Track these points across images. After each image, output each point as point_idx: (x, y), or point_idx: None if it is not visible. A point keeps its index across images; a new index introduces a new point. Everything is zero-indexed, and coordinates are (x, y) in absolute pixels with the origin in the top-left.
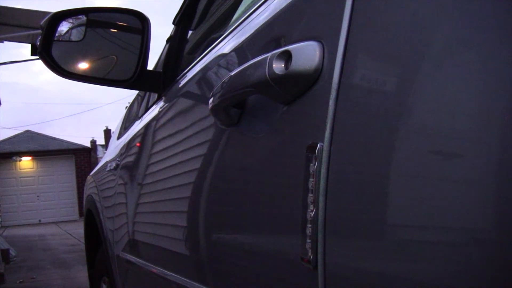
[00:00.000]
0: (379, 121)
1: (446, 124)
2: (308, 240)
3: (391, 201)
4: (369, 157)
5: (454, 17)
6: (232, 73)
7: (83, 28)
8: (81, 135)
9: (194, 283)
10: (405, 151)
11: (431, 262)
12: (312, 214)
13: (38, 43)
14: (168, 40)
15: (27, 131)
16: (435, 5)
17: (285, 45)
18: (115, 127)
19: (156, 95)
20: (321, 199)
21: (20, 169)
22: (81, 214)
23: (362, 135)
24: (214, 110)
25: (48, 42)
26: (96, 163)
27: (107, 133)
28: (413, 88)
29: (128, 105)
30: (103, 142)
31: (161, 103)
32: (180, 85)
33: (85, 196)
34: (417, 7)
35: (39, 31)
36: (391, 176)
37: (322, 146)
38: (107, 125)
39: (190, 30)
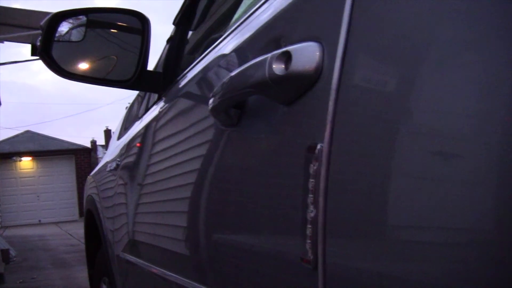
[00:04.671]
0: (379, 122)
1: (446, 125)
2: (308, 241)
3: (391, 202)
4: (369, 158)
5: (454, 17)
6: (232, 74)
7: (83, 28)
8: (81, 135)
9: (194, 283)
10: (405, 152)
11: (431, 263)
12: (312, 214)
13: (39, 44)
14: (168, 41)
15: (27, 131)
16: (436, 5)
17: (285, 46)
18: (115, 127)
19: (156, 96)
20: (321, 199)
21: (20, 169)
22: (81, 214)
23: (362, 136)
24: (214, 111)
25: (49, 42)
26: (96, 164)
27: (107, 133)
28: (413, 89)
29: (128, 105)
30: (103, 143)
31: (161, 104)
32: (180, 86)
33: (85, 196)
34: (417, 7)
35: (39, 31)
36: (391, 176)
37: (322, 146)
38: (107, 125)
39: (190, 30)
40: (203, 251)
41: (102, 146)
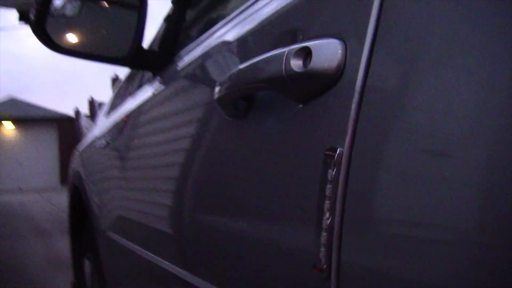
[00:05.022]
0: (404, 128)
1: (479, 131)
2: (322, 249)
3: (415, 212)
4: (392, 166)
5: (492, 19)
6: (243, 66)
7: (79, 3)
8: (64, 104)
9: (185, 272)
10: (430, 160)
11: (456, 273)
12: (328, 221)
13: (33, 18)
14: (165, 19)
15: (10, 98)
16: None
17: (303, 41)
18: (101, 98)
19: (150, 73)
20: (339, 206)
21: (2, 136)
22: (62, 182)
23: (386, 142)
24: (220, 101)
25: (43, 17)
26: (80, 133)
27: (92, 103)
28: (445, 95)
29: (114, 76)
30: (87, 112)
31: (156, 83)
32: (178, 67)
33: (71, 170)
34: (455, 6)
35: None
36: (415, 186)
37: (342, 151)
38: (91, 94)
39: (189, 9)
40: (199, 243)
41: (86, 116)
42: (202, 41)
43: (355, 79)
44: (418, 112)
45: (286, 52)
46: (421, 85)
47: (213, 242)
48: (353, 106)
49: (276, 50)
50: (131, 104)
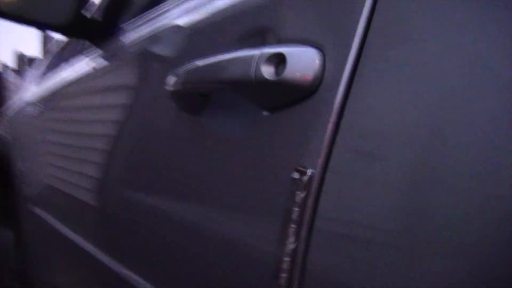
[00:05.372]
0: (387, 155)
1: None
2: (283, 274)
3: (389, 244)
4: (370, 193)
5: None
6: (205, 62)
7: None
8: None
9: (110, 258)
10: (414, 191)
11: None
12: (292, 247)
13: None
14: None
15: None
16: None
17: (276, 43)
18: (26, 52)
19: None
20: (305, 231)
21: None
22: None
23: (365, 167)
24: (174, 94)
25: None
26: (6, 88)
27: (20, 57)
28: (436, 118)
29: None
30: (13, 66)
31: (96, 56)
32: (123, 42)
33: None
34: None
35: None
36: (394, 217)
37: (314, 173)
38: (16, 47)
39: None
40: (127, 232)
41: (13, 70)
42: (152, 18)
43: (334, 95)
44: (405, 137)
45: (257, 56)
46: (410, 108)
47: (141, 233)
48: (330, 124)
49: (245, 50)
50: (67, 72)
